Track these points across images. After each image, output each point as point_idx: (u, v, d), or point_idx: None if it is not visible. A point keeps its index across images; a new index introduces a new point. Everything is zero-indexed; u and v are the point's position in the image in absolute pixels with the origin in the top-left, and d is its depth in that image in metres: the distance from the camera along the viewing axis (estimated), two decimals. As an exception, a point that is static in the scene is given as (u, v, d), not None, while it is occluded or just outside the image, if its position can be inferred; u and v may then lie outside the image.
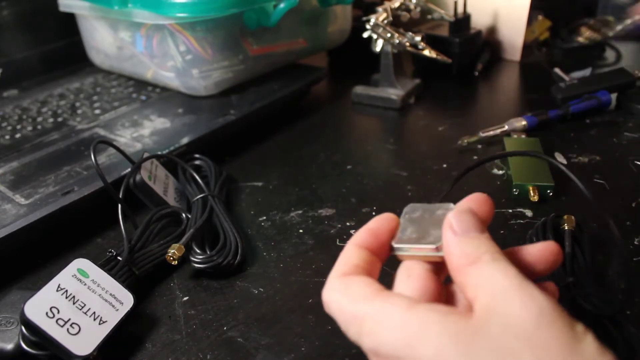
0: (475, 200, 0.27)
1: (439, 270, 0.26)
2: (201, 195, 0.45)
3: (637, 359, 0.28)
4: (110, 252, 0.39)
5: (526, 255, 0.26)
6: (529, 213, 0.44)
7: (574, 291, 0.33)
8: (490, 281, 0.22)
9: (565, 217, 0.39)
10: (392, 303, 0.23)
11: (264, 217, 0.47)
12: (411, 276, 0.26)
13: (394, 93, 0.66)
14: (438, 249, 0.25)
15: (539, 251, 0.26)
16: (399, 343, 0.22)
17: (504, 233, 0.42)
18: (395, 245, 0.27)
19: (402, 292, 0.25)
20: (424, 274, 0.25)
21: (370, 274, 0.26)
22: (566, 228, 0.38)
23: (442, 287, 0.26)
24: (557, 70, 0.69)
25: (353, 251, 0.27)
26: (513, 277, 0.22)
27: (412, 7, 0.67)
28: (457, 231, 0.24)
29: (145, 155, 0.46)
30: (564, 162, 0.51)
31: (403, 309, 0.22)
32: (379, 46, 0.66)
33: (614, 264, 0.37)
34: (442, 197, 0.29)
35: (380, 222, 0.27)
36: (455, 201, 0.27)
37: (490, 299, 0.21)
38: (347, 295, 0.24)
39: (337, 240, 0.43)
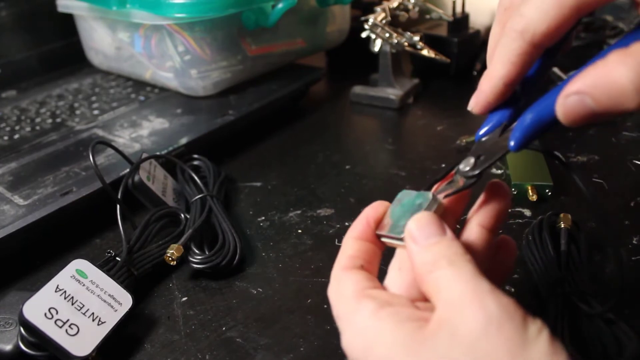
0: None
1: None
2: (200, 196, 0.45)
3: (630, 357, 0.29)
4: (109, 252, 0.39)
5: (482, 212, 0.27)
6: (527, 212, 0.44)
7: (568, 289, 0.33)
8: (445, 288, 0.22)
9: (561, 215, 0.39)
10: (361, 307, 0.24)
11: (263, 217, 0.47)
12: (402, 268, 0.26)
13: (393, 93, 0.66)
14: (403, 240, 0.25)
15: (486, 201, 0.27)
16: (358, 347, 0.23)
17: (503, 233, 0.42)
18: (378, 233, 0.27)
19: (392, 283, 0.26)
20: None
21: (370, 263, 0.26)
22: (562, 226, 0.38)
23: None
24: (555, 69, 0.69)
25: (349, 243, 0.27)
26: (467, 281, 0.22)
27: (410, 7, 0.67)
28: (417, 239, 0.24)
29: (144, 155, 0.46)
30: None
31: (367, 315, 0.23)
32: (377, 46, 0.66)
33: (611, 262, 0.37)
34: (429, 185, 0.28)
35: (370, 211, 0.28)
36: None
37: (444, 309, 0.22)
38: (336, 292, 0.25)
39: (336, 240, 0.43)
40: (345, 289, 0.25)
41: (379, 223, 0.27)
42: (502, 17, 0.26)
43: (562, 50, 0.26)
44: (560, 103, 0.21)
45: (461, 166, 0.26)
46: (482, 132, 0.27)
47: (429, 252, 0.24)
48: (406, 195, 0.27)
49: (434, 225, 0.24)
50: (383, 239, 0.27)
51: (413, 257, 0.24)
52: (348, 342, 0.24)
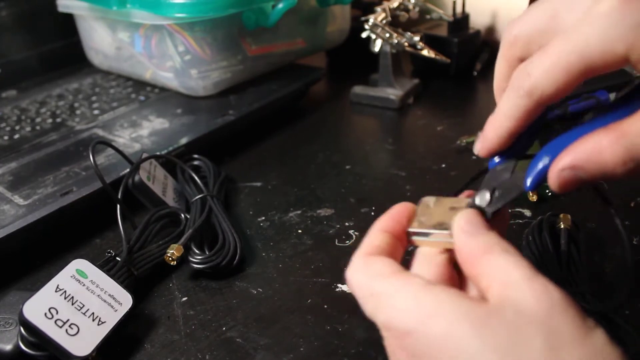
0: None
1: (454, 260, 0.27)
2: (200, 196, 0.45)
3: (631, 358, 0.29)
4: (109, 252, 0.39)
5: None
6: (527, 213, 0.44)
7: (569, 290, 0.33)
8: (503, 271, 0.22)
9: (561, 215, 0.39)
10: (408, 281, 0.23)
11: (263, 218, 0.47)
12: (429, 262, 0.26)
13: (393, 93, 0.66)
14: (451, 235, 0.26)
15: None
16: (411, 319, 0.22)
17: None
18: (412, 230, 0.27)
19: (420, 274, 0.26)
20: (441, 261, 0.26)
21: (393, 256, 0.26)
22: (562, 227, 0.38)
23: (457, 278, 0.26)
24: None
25: (376, 234, 0.27)
26: (525, 268, 0.22)
27: (410, 7, 0.67)
28: (467, 230, 0.25)
29: (144, 155, 0.46)
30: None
31: (419, 287, 0.23)
32: (377, 46, 0.66)
33: (611, 263, 0.37)
34: (455, 193, 0.29)
35: (401, 208, 0.28)
36: None
37: (504, 289, 0.22)
38: (366, 273, 0.25)
39: (336, 240, 0.43)
40: (378, 269, 0.25)
41: (410, 222, 0.28)
42: (507, 53, 0.26)
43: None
44: (554, 176, 0.23)
45: (477, 200, 0.27)
46: (496, 160, 0.28)
47: (481, 239, 0.24)
48: (430, 201, 0.28)
49: (481, 221, 0.25)
50: (414, 237, 0.27)
51: (463, 244, 0.24)
52: (395, 314, 0.23)
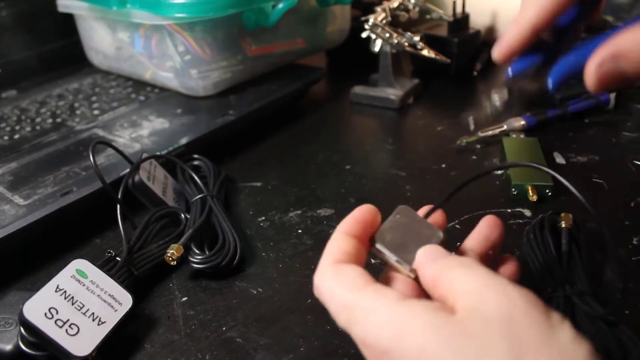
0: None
1: None
2: (200, 196, 0.45)
3: (631, 359, 0.28)
4: (109, 252, 0.39)
5: (476, 240, 0.29)
6: (527, 213, 0.44)
7: (569, 290, 0.33)
8: (463, 283, 0.23)
9: (562, 214, 0.39)
10: (382, 295, 0.23)
11: (263, 218, 0.47)
12: (395, 279, 0.27)
13: (393, 93, 0.66)
14: (412, 272, 0.26)
15: (480, 232, 0.30)
16: (386, 335, 0.22)
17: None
18: (378, 246, 0.27)
19: (394, 285, 0.27)
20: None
21: (359, 262, 0.27)
22: (563, 226, 0.38)
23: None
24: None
25: (343, 239, 0.27)
26: (483, 275, 0.23)
27: (410, 7, 0.67)
28: (425, 260, 0.26)
29: (144, 155, 0.46)
30: (563, 162, 0.51)
31: (392, 302, 0.23)
32: (377, 46, 0.66)
33: (612, 263, 0.37)
34: (442, 202, 0.30)
35: (365, 213, 0.28)
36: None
37: (467, 299, 0.22)
38: (339, 284, 0.25)
39: (336, 240, 0.43)
40: (351, 280, 0.24)
41: (374, 227, 0.28)
42: None
43: (594, 15, 0.27)
44: (592, 72, 0.22)
45: (495, 99, 0.27)
46: (514, 68, 0.27)
47: (441, 262, 0.25)
48: (406, 215, 0.28)
49: (442, 251, 0.26)
50: (380, 254, 0.27)
51: (423, 272, 0.25)
52: (370, 332, 0.23)
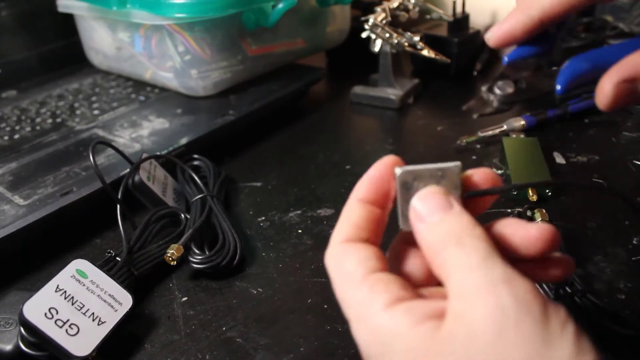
0: (480, 175, 0.26)
1: None
2: (200, 196, 0.45)
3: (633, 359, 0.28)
4: (109, 252, 0.39)
5: (512, 234, 0.23)
6: (528, 213, 0.44)
7: (570, 291, 0.33)
8: (455, 276, 0.21)
9: (537, 210, 0.38)
10: (372, 299, 0.22)
11: (263, 218, 0.47)
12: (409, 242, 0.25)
13: (393, 93, 0.66)
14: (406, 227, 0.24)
15: (527, 234, 0.23)
16: (372, 348, 0.22)
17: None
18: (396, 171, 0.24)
19: (405, 261, 0.25)
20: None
21: (375, 234, 0.25)
22: (539, 221, 0.38)
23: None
24: (555, 69, 0.69)
25: (354, 208, 0.25)
26: (477, 267, 0.20)
27: (410, 7, 0.67)
28: (422, 216, 0.23)
29: (144, 155, 0.46)
30: (563, 162, 0.51)
31: (380, 309, 0.22)
32: (377, 46, 0.66)
33: (612, 263, 0.37)
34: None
35: (382, 170, 0.26)
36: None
37: (457, 301, 0.20)
38: (340, 273, 0.24)
39: (336, 240, 0.43)
40: (351, 269, 0.23)
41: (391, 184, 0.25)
42: None
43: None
44: (607, 90, 0.22)
45: (497, 89, 0.26)
46: (512, 56, 0.27)
47: (436, 230, 0.22)
48: (415, 173, 0.25)
49: (440, 200, 0.23)
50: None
51: (421, 238, 0.23)
52: (362, 339, 0.22)
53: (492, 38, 0.27)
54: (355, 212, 0.25)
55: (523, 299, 0.19)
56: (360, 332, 0.22)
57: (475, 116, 0.27)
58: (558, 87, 0.24)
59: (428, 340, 0.20)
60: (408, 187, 0.24)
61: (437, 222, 0.23)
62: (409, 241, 0.25)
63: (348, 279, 0.23)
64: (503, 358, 0.18)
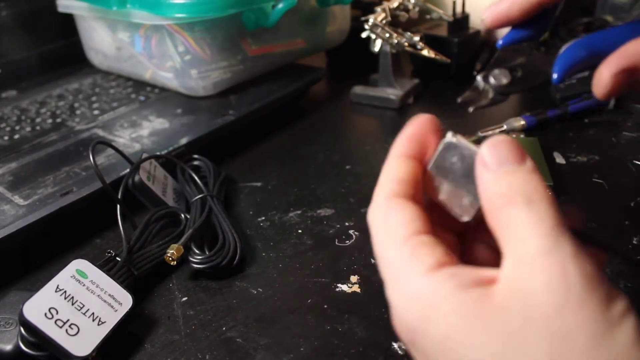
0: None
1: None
2: (200, 196, 0.45)
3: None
4: (109, 252, 0.39)
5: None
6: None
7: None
8: (519, 237, 0.19)
9: None
10: (414, 261, 0.21)
11: (263, 218, 0.47)
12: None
13: (393, 93, 0.66)
14: (465, 215, 0.23)
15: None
16: (412, 312, 0.20)
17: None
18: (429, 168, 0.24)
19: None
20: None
21: (418, 191, 0.24)
22: None
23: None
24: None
25: (397, 164, 0.24)
26: (547, 234, 0.18)
27: (410, 7, 0.67)
28: (490, 166, 0.21)
29: (144, 155, 0.46)
30: (563, 162, 0.51)
31: (422, 273, 0.20)
32: (377, 46, 0.66)
33: (611, 263, 0.37)
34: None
35: (421, 126, 0.25)
36: None
37: (516, 266, 0.19)
38: (384, 230, 0.22)
39: (336, 240, 0.43)
40: (395, 227, 0.22)
41: (435, 137, 0.24)
42: None
43: None
44: (605, 78, 0.21)
45: (491, 79, 0.25)
46: (506, 38, 0.26)
47: (503, 181, 0.20)
48: (454, 147, 0.24)
49: (511, 150, 0.21)
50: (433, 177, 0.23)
51: (484, 186, 0.21)
52: (397, 303, 0.21)
53: (488, 18, 0.26)
54: (399, 167, 0.24)
55: (590, 277, 0.18)
56: (396, 296, 0.21)
57: (471, 109, 0.26)
58: (555, 75, 0.24)
59: (476, 308, 0.18)
60: (450, 154, 0.24)
61: (507, 173, 0.20)
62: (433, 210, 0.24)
63: (390, 238, 0.22)
64: (563, 337, 0.17)
